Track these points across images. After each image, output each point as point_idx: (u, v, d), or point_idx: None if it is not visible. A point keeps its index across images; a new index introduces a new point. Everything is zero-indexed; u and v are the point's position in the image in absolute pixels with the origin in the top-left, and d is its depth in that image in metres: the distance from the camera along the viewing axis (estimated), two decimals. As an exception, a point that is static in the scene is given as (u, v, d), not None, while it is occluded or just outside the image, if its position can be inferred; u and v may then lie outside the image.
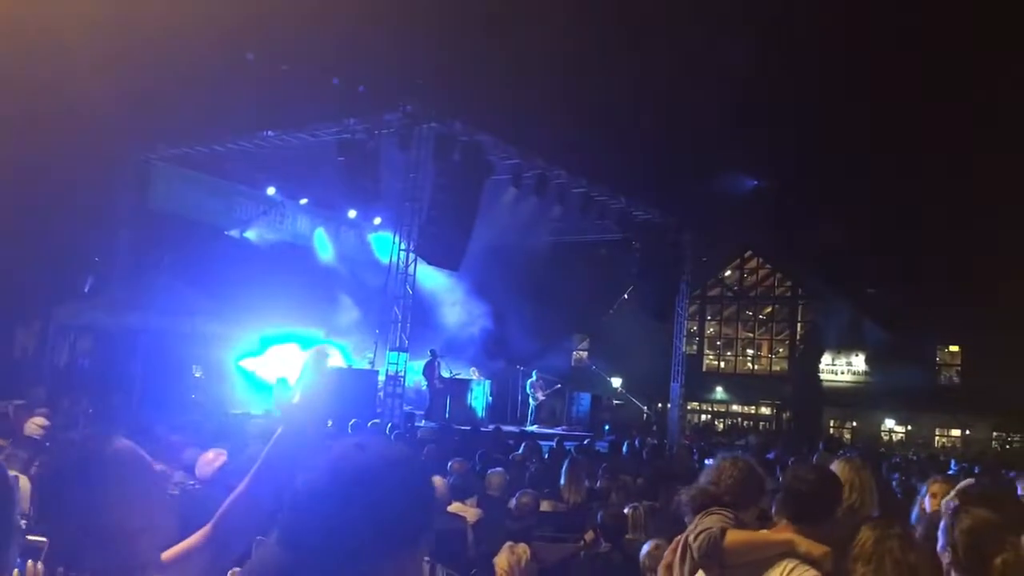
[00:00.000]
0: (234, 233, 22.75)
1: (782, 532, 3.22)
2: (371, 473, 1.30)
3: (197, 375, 19.70)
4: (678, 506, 6.59)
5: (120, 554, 1.79)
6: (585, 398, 23.51)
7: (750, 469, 3.66)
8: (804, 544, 3.10)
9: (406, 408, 17.59)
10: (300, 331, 19.30)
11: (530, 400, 21.95)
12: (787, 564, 3.09)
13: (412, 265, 17.99)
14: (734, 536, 3.19)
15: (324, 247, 24.89)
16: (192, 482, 5.64)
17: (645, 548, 4.95)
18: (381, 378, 17.26)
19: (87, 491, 1.82)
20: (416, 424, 16.16)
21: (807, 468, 3.44)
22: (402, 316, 17.67)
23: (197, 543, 2.03)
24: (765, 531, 3.30)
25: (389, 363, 17.36)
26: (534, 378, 22.01)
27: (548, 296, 28.35)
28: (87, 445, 1.93)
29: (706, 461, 13.84)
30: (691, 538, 3.10)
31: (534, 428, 20.08)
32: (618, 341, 32.03)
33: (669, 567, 3.66)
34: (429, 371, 19.33)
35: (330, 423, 11.85)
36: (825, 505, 3.27)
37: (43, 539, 2.01)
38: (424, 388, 19.64)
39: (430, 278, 21.45)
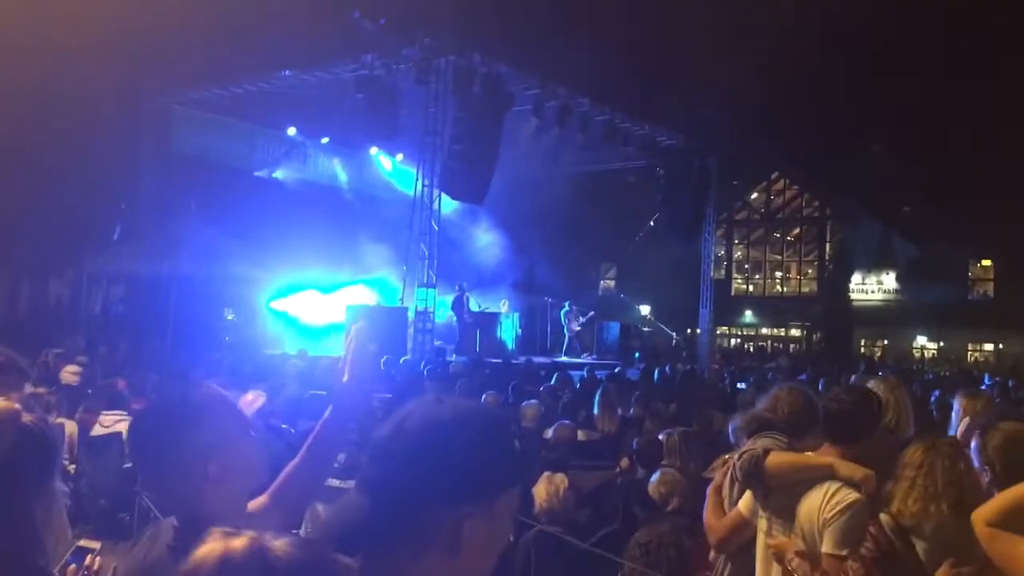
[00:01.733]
0: (262, 174, 22.75)
1: (824, 455, 3.19)
2: (445, 425, 1.33)
3: (229, 318, 19.94)
4: (713, 431, 6.65)
5: (214, 499, 1.80)
6: (614, 327, 23.45)
7: (807, 398, 3.65)
8: (846, 468, 3.07)
9: (437, 343, 17.66)
10: (322, 278, 19.31)
11: (564, 331, 21.78)
12: (829, 486, 3.06)
13: (436, 200, 17.93)
14: (777, 458, 3.17)
15: (348, 185, 24.85)
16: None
17: (654, 477, 4.85)
18: (411, 315, 17.35)
19: (182, 438, 1.81)
20: (447, 359, 16.26)
21: (844, 388, 3.41)
22: (428, 252, 17.69)
23: (262, 506, 2.08)
24: (808, 454, 3.28)
25: (418, 299, 17.43)
26: (567, 308, 21.77)
27: (574, 226, 28.21)
28: (177, 393, 1.94)
29: (738, 385, 13.85)
30: (735, 457, 3.10)
31: (564, 359, 20.09)
32: (645, 269, 31.96)
33: (719, 488, 3.68)
34: (458, 306, 19.38)
35: (384, 359, 12.10)
36: (863, 424, 3.22)
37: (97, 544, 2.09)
38: (454, 323, 19.70)
39: (455, 212, 21.36)
